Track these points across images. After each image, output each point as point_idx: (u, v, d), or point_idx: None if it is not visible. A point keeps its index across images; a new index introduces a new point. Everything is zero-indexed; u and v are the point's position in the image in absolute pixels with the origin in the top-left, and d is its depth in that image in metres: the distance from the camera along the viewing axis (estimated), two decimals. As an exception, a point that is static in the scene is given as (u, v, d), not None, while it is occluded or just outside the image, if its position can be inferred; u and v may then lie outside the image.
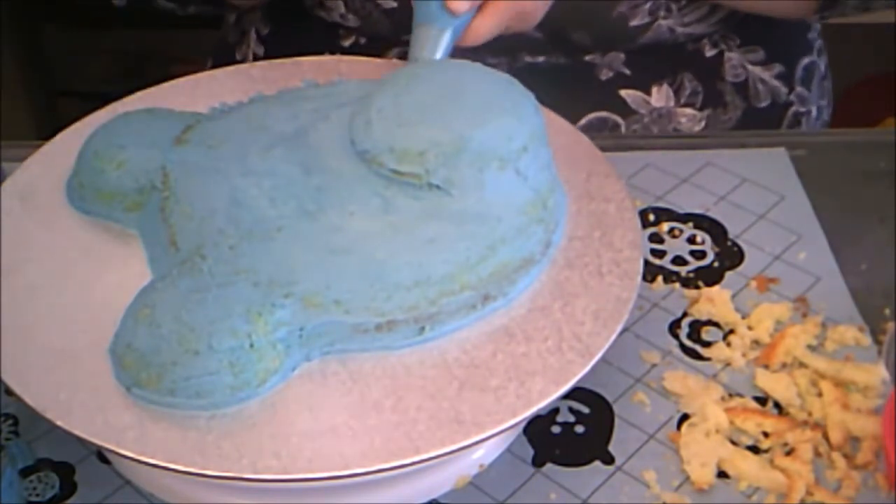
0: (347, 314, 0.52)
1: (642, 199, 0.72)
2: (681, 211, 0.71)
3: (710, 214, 0.71)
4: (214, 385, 0.50)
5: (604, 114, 0.83)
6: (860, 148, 0.78)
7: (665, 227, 0.70)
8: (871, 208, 0.72)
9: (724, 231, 0.70)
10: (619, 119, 0.83)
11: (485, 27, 0.66)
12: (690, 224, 0.70)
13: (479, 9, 0.65)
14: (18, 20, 1.80)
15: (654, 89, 0.83)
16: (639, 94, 0.83)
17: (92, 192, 0.60)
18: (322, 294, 0.52)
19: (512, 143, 0.56)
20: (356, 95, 0.61)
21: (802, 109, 0.89)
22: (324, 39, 0.84)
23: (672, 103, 0.84)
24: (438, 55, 0.64)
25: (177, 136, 0.60)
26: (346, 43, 0.84)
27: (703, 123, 0.85)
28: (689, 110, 0.84)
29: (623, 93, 0.83)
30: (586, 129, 0.82)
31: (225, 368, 0.50)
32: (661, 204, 0.72)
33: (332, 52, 0.83)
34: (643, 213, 0.71)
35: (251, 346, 0.50)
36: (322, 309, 0.52)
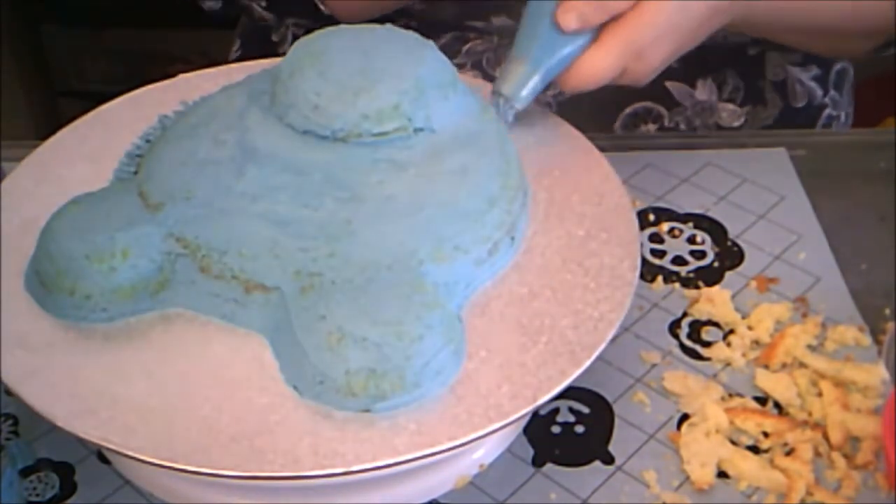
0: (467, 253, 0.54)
1: (642, 199, 0.72)
2: (681, 211, 0.71)
3: (710, 214, 0.71)
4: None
5: (648, 104, 0.83)
6: (860, 148, 0.78)
7: (665, 227, 0.70)
8: (871, 208, 0.72)
9: (724, 231, 0.70)
10: (662, 110, 0.83)
11: (597, 66, 0.58)
12: (690, 224, 0.70)
13: (594, 42, 0.60)
14: (18, 20, 1.80)
15: (699, 83, 0.84)
16: (684, 86, 0.84)
17: (107, 297, 0.54)
18: (443, 247, 0.53)
19: (446, 68, 0.59)
20: (243, 102, 0.59)
21: (834, 113, 0.90)
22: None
23: (715, 98, 0.84)
24: (524, 94, 0.61)
25: (142, 205, 0.55)
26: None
27: (742, 119, 0.85)
28: (730, 105, 0.85)
29: (669, 84, 0.83)
30: (630, 119, 0.83)
31: None
32: (661, 204, 0.72)
33: None
34: (643, 213, 0.71)
35: None
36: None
